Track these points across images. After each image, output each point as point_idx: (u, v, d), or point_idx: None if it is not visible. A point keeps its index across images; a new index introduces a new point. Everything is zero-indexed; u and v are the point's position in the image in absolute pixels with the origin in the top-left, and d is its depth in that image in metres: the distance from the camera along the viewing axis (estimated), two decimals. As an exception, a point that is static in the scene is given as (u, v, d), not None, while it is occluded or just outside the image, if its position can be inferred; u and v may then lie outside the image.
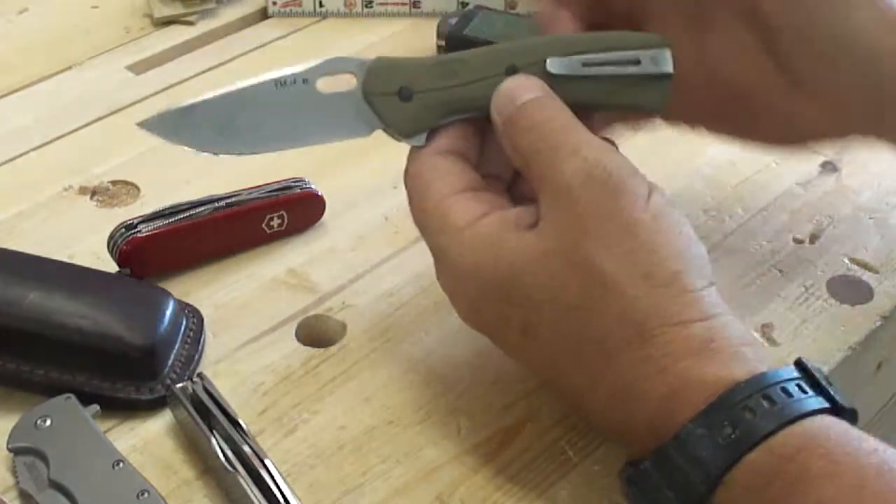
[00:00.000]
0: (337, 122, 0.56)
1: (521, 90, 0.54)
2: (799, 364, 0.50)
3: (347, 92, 0.56)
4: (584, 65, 0.56)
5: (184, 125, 0.52)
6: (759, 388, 0.48)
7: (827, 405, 0.48)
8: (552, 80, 0.55)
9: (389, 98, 0.55)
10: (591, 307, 0.50)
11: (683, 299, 0.50)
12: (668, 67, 0.57)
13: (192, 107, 0.52)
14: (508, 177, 0.57)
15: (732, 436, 0.47)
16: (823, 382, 0.49)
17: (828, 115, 0.59)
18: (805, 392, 0.48)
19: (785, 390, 0.48)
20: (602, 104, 0.57)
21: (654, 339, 0.49)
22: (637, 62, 0.56)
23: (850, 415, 0.49)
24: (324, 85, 0.56)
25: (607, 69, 0.56)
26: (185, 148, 0.54)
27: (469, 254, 0.52)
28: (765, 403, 0.47)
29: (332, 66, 0.56)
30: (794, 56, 0.57)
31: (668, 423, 0.48)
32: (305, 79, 0.55)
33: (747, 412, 0.47)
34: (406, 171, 0.56)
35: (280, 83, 0.55)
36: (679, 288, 0.50)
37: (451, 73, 0.56)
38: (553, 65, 0.56)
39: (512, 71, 0.55)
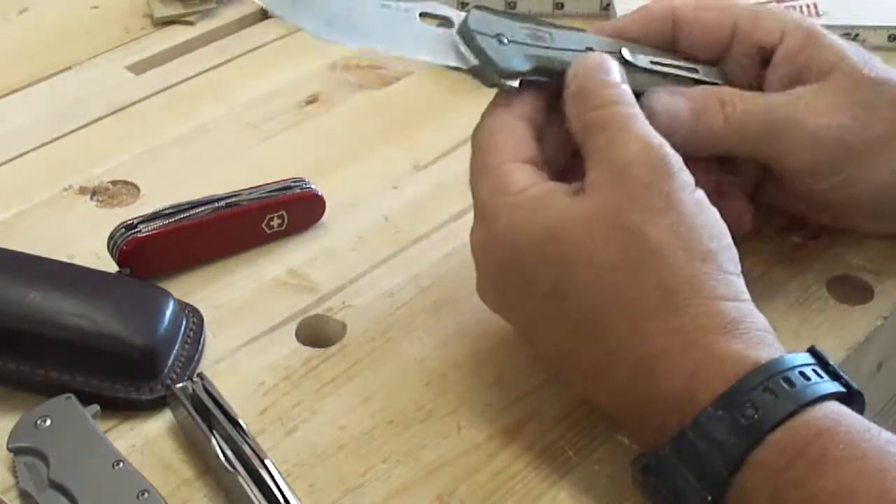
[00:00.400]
0: (432, 46, 0.57)
1: (603, 68, 0.56)
2: (812, 351, 0.51)
3: (445, 30, 0.58)
4: (652, 62, 0.61)
5: (300, 5, 0.55)
6: (779, 370, 0.49)
7: (842, 389, 0.49)
8: (625, 67, 0.59)
9: (488, 38, 0.57)
10: (629, 270, 0.51)
11: (718, 277, 0.51)
12: (722, 80, 0.62)
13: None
14: (561, 164, 0.58)
15: (755, 416, 0.47)
16: (837, 369, 0.50)
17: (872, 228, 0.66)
18: (821, 377, 0.49)
19: (803, 374, 0.49)
20: None
21: (687, 309, 0.50)
22: (696, 71, 0.62)
23: (860, 400, 0.50)
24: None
25: (670, 69, 0.61)
26: (299, 25, 0.56)
27: (515, 215, 0.53)
28: (785, 385, 0.48)
29: (431, 7, 0.58)
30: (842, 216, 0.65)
31: (688, 404, 0.49)
32: (407, 9, 0.57)
33: (768, 393, 0.48)
34: (479, 125, 0.57)
35: (384, 5, 0.57)
36: (715, 266, 0.51)
37: (539, 38, 0.58)
38: (627, 53, 0.60)
39: (590, 52, 0.59)
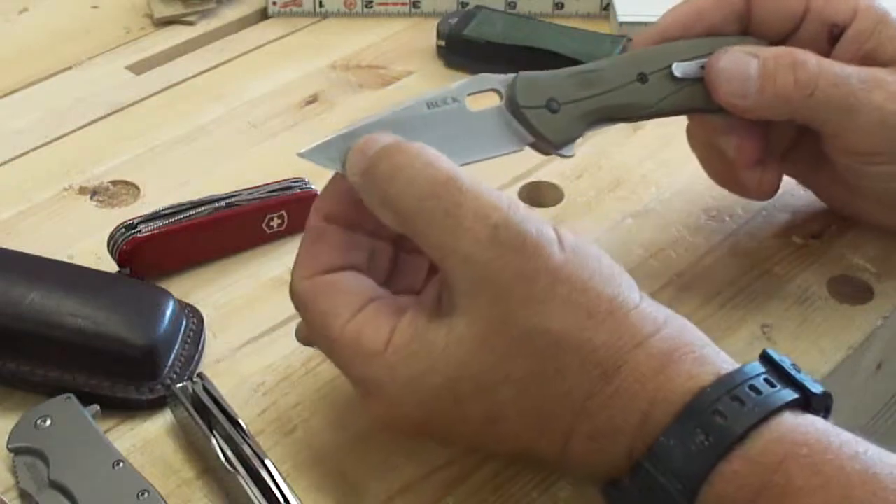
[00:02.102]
0: (488, 138, 0.56)
1: (372, 141, 0.51)
2: (764, 357, 0.49)
3: (495, 108, 0.56)
4: (702, 68, 0.59)
5: (343, 151, 0.52)
6: (727, 389, 0.47)
7: (797, 396, 0.48)
8: (678, 85, 0.59)
9: (539, 110, 0.56)
10: (549, 369, 0.48)
11: (631, 321, 0.48)
12: None
13: (352, 133, 0.52)
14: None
15: (706, 442, 0.46)
16: (791, 371, 0.49)
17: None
18: (774, 386, 0.48)
19: (753, 388, 0.47)
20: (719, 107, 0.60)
21: (619, 370, 0.48)
22: None
23: (822, 401, 0.48)
24: (471, 103, 0.56)
25: None
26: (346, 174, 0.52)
27: (400, 371, 0.49)
28: (734, 404, 0.46)
29: (478, 84, 0.56)
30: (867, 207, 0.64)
31: (645, 444, 0.47)
32: (455, 97, 0.55)
33: (718, 416, 0.46)
34: (296, 301, 0.52)
35: (431, 104, 0.55)
36: (623, 312, 0.48)
37: (589, 84, 0.57)
38: (678, 69, 0.59)
39: (643, 78, 0.58)
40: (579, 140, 0.57)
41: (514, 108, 0.56)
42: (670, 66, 0.59)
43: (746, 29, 0.61)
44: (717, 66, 0.59)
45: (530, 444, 0.50)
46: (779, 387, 0.48)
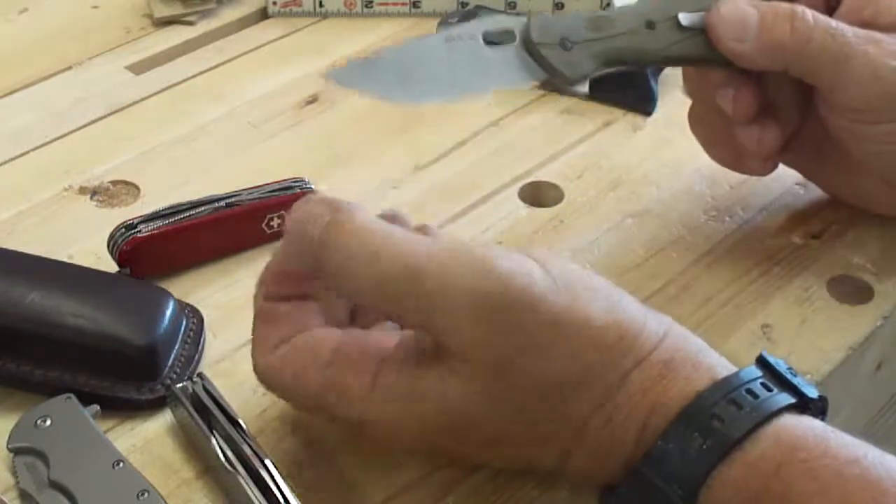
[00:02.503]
0: (501, 70, 0.58)
1: (312, 216, 0.49)
2: (761, 361, 0.49)
3: (511, 46, 0.58)
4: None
5: (368, 74, 0.55)
6: (724, 393, 0.47)
7: (793, 400, 0.48)
8: (683, 33, 0.61)
9: (553, 47, 0.58)
10: (550, 401, 0.48)
11: (633, 344, 0.48)
12: None
13: (375, 59, 0.55)
14: None
15: (704, 446, 0.46)
16: (787, 375, 0.49)
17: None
18: (770, 390, 0.48)
19: (750, 391, 0.47)
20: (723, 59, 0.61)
21: (620, 391, 0.48)
22: None
23: (819, 405, 0.49)
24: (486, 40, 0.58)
25: None
26: (369, 93, 0.56)
27: (392, 409, 0.49)
28: (732, 408, 0.46)
29: (492, 23, 0.59)
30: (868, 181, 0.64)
31: (643, 451, 0.48)
32: (472, 35, 0.58)
33: (715, 420, 0.46)
34: (265, 380, 0.52)
35: (450, 38, 0.57)
36: (625, 339, 0.48)
37: (599, 27, 0.59)
38: (684, 19, 0.61)
39: (651, 25, 0.60)
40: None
41: (528, 44, 0.58)
42: (677, 15, 0.61)
43: None
44: (718, 13, 0.60)
45: (529, 460, 0.51)
46: (776, 390, 0.48)
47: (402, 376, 0.49)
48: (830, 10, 0.61)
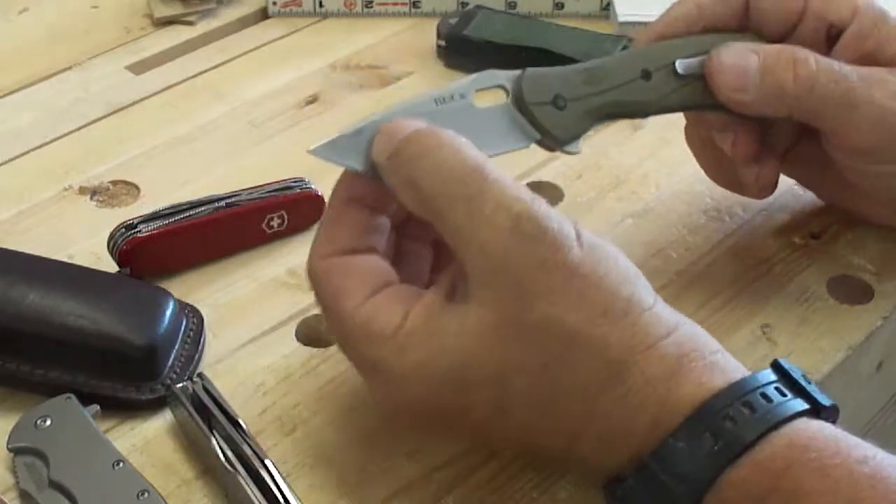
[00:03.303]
0: (495, 134, 0.56)
1: (402, 125, 0.51)
2: (775, 366, 0.49)
3: (502, 105, 0.56)
4: (704, 64, 0.59)
5: (352, 148, 0.52)
6: (738, 395, 0.47)
7: (807, 406, 0.48)
8: (681, 81, 0.59)
9: (545, 107, 0.56)
10: (560, 363, 0.48)
11: (644, 321, 0.48)
12: None
13: (360, 130, 0.52)
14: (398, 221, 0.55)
15: (715, 447, 0.46)
16: (802, 382, 0.49)
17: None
18: (784, 395, 0.48)
19: (764, 395, 0.47)
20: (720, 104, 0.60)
21: (631, 371, 0.48)
22: None
23: (831, 413, 0.48)
24: (477, 99, 0.56)
25: None
26: (357, 169, 0.52)
27: (409, 355, 0.49)
28: (745, 411, 0.46)
29: (485, 81, 0.56)
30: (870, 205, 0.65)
31: (652, 447, 0.47)
32: (462, 94, 0.55)
33: (728, 421, 0.46)
34: (311, 279, 0.52)
35: (439, 100, 0.55)
36: (637, 312, 0.48)
37: (594, 80, 0.58)
38: (681, 66, 0.59)
39: (647, 75, 0.58)
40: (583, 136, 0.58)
41: (520, 104, 0.56)
42: (673, 63, 0.59)
43: (746, 26, 0.61)
44: (718, 61, 0.59)
45: (537, 439, 0.50)
46: (790, 396, 0.48)
47: (428, 315, 0.49)
48: (832, 42, 0.61)
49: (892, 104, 0.58)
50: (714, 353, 0.49)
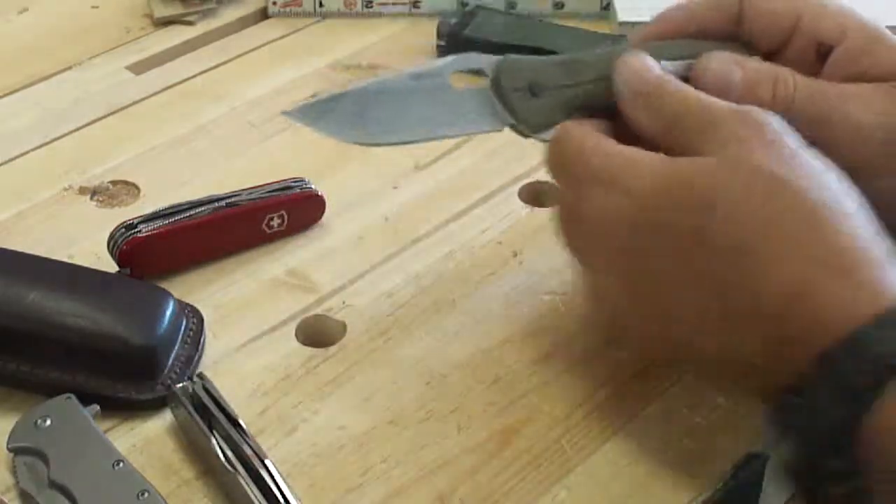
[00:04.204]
0: (468, 115, 0.57)
1: (649, 64, 0.56)
2: None
3: (479, 87, 0.57)
4: (688, 68, 0.59)
5: (326, 114, 0.54)
6: None
7: None
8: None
9: (520, 93, 0.57)
10: (782, 219, 0.50)
11: (868, 233, 0.50)
12: None
13: (335, 97, 0.54)
14: None
15: None
16: None
17: None
18: None
19: None
20: None
21: (839, 237, 0.49)
22: None
23: None
24: (455, 81, 0.57)
25: None
26: (326, 134, 0.54)
27: (643, 169, 0.52)
28: None
29: (464, 63, 0.57)
30: None
31: (846, 325, 0.47)
32: (440, 73, 0.56)
33: None
34: (556, 141, 0.55)
35: (415, 76, 0.56)
36: (862, 220, 0.51)
37: (574, 73, 0.57)
38: (665, 67, 0.58)
39: None
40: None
41: (497, 89, 0.57)
42: (658, 64, 0.58)
43: (737, 35, 0.61)
44: (705, 67, 0.58)
45: (717, 287, 0.51)
46: None
47: (628, 155, 0.53)
48: (823, 58, 0.60)
49: (868, 118, 0.58)
50: None
